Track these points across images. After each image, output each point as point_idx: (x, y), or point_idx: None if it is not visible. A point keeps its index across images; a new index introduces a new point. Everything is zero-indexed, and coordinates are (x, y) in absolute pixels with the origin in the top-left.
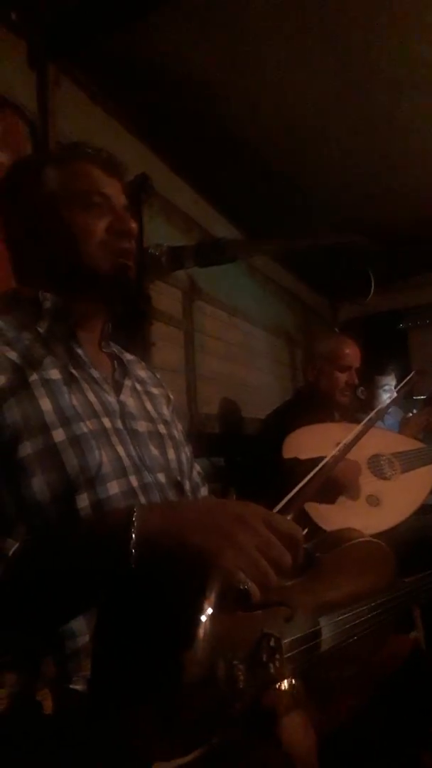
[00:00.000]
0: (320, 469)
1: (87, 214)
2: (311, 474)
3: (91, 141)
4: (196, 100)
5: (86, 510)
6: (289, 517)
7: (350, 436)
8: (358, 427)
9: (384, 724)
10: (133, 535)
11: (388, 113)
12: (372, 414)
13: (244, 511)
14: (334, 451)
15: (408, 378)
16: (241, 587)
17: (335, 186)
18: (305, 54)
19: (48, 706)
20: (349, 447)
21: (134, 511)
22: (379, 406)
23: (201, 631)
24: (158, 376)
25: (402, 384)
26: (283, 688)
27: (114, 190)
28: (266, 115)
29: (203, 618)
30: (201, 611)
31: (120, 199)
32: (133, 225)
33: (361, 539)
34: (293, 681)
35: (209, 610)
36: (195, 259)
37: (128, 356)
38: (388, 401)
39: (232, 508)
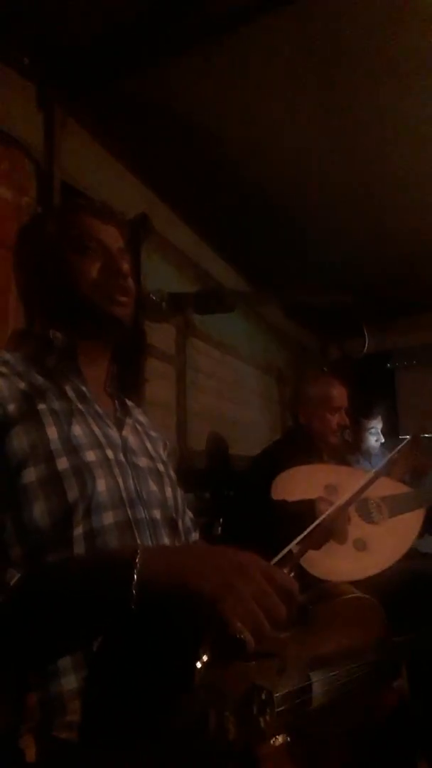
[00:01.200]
0: (317, 524)
1: (82, 257)
2: (307, 530)
3: (94, 179)
4: (198, 144)
5: (79, 538)
6: (285, 570)
7: (350, 492)
8: (361, 483)
9: None
10: (135, 576)
11: (378, 165)
12: (372, 473)
13: (244, 560)
14: (334, 506)
15: (401, 446)
16: (237, 636)
17: (330, 229)
18: (302, 107)
19: (30, 754)
20: (349, 503)
21: (137, 552)
22: (382, 462)
23: (196, 678)
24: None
25: (401, 446)
26: (275, 743)
27: (108, 235)
28: (265, 161)
29: (198, 665)
30: (197, 658)
31: (115, 243)
32: (125, 265)
33: (353, 595)
34: (286, 738)
35: (205, 657)
36: (194, 307)
37: (128, 401)
38: (387, 460)
39: (234, 556)
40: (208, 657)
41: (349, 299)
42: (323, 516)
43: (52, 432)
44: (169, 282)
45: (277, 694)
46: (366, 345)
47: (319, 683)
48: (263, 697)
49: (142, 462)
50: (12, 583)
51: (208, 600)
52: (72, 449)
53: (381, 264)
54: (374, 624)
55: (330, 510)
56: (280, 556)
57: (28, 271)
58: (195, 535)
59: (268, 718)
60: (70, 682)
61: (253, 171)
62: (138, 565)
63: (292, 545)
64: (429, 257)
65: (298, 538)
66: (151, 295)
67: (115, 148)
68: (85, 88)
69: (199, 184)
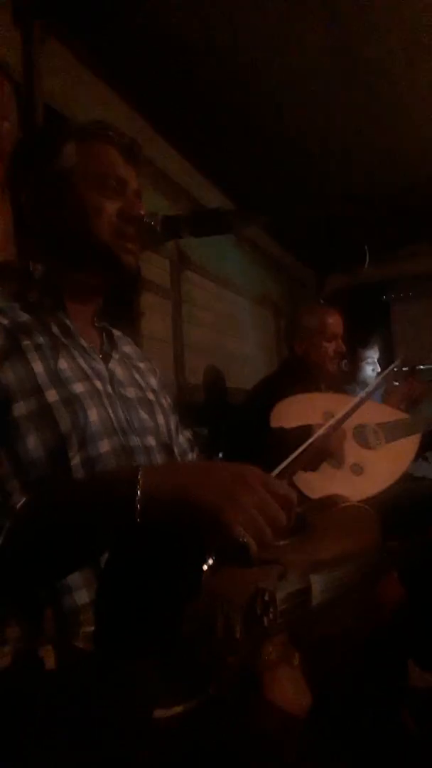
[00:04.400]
0: (312, 441)
1: (101, 195)
2: (304, 446)
3: (78, 102)
4: (188, 64)
5: (78, 467)
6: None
7: (342, 411)
8: (352, 402)
9: (365, 678)
10: (138, 492)
11: (380, 85)
12: (364, 392)
13: (243, 471)
14: (327, 424)
15: (393, 365)
16: (240, 540)
17: (329, 156)
18: (301, 19)
19: (50, 662)
20: (341, 421)
21: (139, 470)
22: (372, 385)
23: (201, 583)
24: (143, 352)
25: (389, 369)
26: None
27: (129, 176)
28: (260, 82)
29: (204, 569)
30: (202, 563)
31: (134, 185)
32: (142, 212)
33: (348, 504)
34: (282, 639)
35: (210, 562)
36: (191, 229)
37: (116, 332)
38: (379, 380)
39: (233, 468)
40: (213, 561)
41: (351, 211)
42: (317, 434)
43: (38, 366)
44: (162, 211)
45: (279, 595)
46: (366, 263)
47: (317, 584)
48: (266, 597)
49: (130, 392)
50: (18, 506)
51: (210, 509)
52: (60, 382)
53: (378, 193)
54: (369, 530)
55: (323, 429)
56: (277, 470)
57: (28, 195)
58: (192, 456)
59: (271, 617)
60: (82, 596)
61: (251, 93)
62: (140, 481)
63: (288, 461)
64: (427, 186)
65: (293, 455)
66: (144, 219)
67: (101, 70)
68: (66, 3)
69: (193, 108)
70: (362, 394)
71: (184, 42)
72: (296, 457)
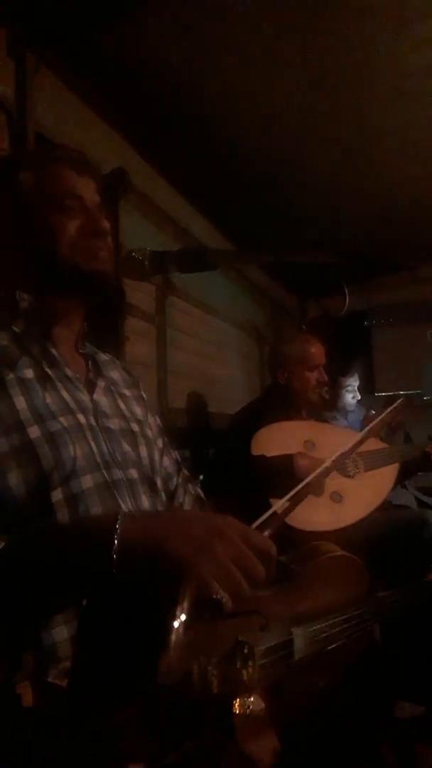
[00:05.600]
0: (304, 485)
1: (60, 215)
2: (298, 487)
3: (69, 131)
4: (177, 95)
5: (60, 504)
6: (267, 533)
7: (342, 449)
8: (353, 441)
9: (342, 716)
10: (115, 542)
11: (358, 122)
12: (361, 435)
13: (221, 523)
14: (325, 464)
15: (395, 405)
16: (214, 596)
17: (310, 187)
18: (284, 59)
19: (28, 699)
20: (340, 458)
21: (118, 519)
22: (373, 422)
23: (174, 636)
24: (133, 375)
25: (393, 406)
26: (254, 708)
27: (86, 190)
28: (246, 115)
29: (176, 624)
30: (174, 617)
31: (93, 199)
32: (105, 224)
33: (335, 553)
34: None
35: (183, 617)
36: (177, 266)
37: (103, 356)
38: (379, 419)
39: (211, 521)
40: (186, 616)
41: (328, 257)
42: (310, 477)
43: (20, 402)
44: (149, 240)
45: (259, 648)
46: (346, 304)
47: (300, 638)
48: (245, 651)
49: (114, 424)
50: None
51: (186, 563)
52: (42, 417)
53: (360, 222)
54: (356, 581)
55: (316, 473)
56: (264, 517)
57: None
58: (178, 479)
59: (250, 671)
60: (61, 632)
61: (233, 125)
62: (118, 531)
63: (277, 507)
64: (408, 215)
65: (283, 500)
66: (133, 254)
67: (92, 100)
68: (59, 35)
69: (179, 139)
70: (363, 432)
71: (176, 74)
72: (291, 498)
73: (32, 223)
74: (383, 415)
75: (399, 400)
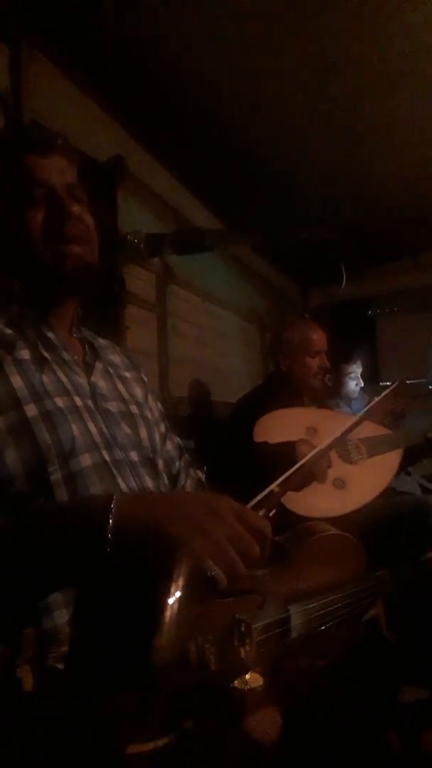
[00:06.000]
0: (302, 464)
1: (27, 206)
2: (294, 468)
3: (65, 118)
4: (174, 81)
5: (59, 483)
6: (262, 512)
7: (334, 434)
8: (346, 425)
9: (347, 704)
10: (110, 521)
11: (359, 108)
12: (357, 417)
13: (216, 503)
14: (317, 448)
15: (391, 386)
16: (208, 574)
17: (311, 174)
18: (285, 45)
19: (28, 682)
20: (331, 446)
21: (113, 499)
22: (366, 408)
23: (168, 615)
24: (134, 360)
25: (387, 391)
26: (252, 683)
27: (52, 172)
28: (246, 101)
29: (170, 601)
30: (168, 595)
31: (61, 179)
32: (75, 206)
33: (331, 532)
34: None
35: (177, 594)
36: (173, 247)
37: (101, 341)
38: (374, 402)
39: (206, 500)
40: (181, 594)
41: (327, 234)
42: (305, 459)
43: (16, 380)
44: (148, 227)
45: (256, 625)
46: (343, 281)
47: (297, 615)
48: (242, 629)
49: (113, 406)
50: None
51: (179, 541)
52: (39, 396)
53: (363, 210)
54: (352, 559)
55: (311, 455)
56: (260, 497)
57: None
58: (181, 463)
59: (248, 648)
60: (62, 615)
61: (234, 111)
62: (113, 510)
63: (273, 486)
64: (411, 202)
65: (279, 480)
66: (128, 237)
67: (88, 87)
68: (55, 21)
69: (177, 125)
70: (357, 416)
71: (172, 60)
72: (286, 479)
73: (6, 217)
74: (380, 398)
75: (395, 383)
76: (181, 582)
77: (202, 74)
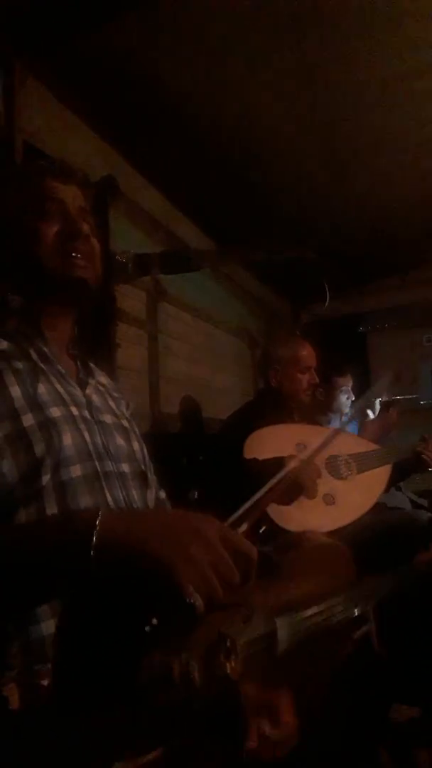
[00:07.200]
0: (282, 476)
1: (41, 220)
2: (273, 481)
3: (58, 140)
4: (164, 103)
5: (49, 491)
6: (243, 527)
7: (312, 446)
8: (323, 437)
9: (340, 721)
10: (94, 539)
11: (348, 126)
12: (335, 428)
13: (202, 526)
14: (296, 458)
15: (366, 398)
16: (188, 600)
17: (299, 193)
18: (275, 65)
19: (14, 701)
20: (312, 457)
21: (98, 514)
22: (344, 420)
23: (144, 640)
24: (116, 385)
25: (361, 402)
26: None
27: (68, 195)
28: (233, 122)
29: (154, 622)
30: (151, 618)
31: (75, 203)
32: (85, 226)
33: (320, 542)
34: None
35: (154, 621)
36: (161, 267)
37: (90, 364)
38: (351, 415)
39: (192, 522)
40: (158, 620)
41: (311, 254)
42: (285, 469)
43: (15, 391)
44: (139, 246)
45: (243, 640)
46: (327, 301)
47: (284, 629)
48: (228, 644)
49: (108, 418)
50: None
51: (163, 565)
52: (36, 406)
53: (353, 227)
54: (342, 568)
55: (290, 466)
56: (242, 510)
57: None
58: (161, 493)
59: (233, 664)
60: (50, 626)
61: (222, 131)
62: (98, 527)
63: (252, 500)
64: (400, 219)
65: (259, 493)
66: (117, 257)
67: (80, 109)
68: (46, 42)
69: (167, 145)
70: (333, 428)
71: (164, 82)
72: (267, 491)
73: (15, 230)
74: (351, 414)
75: (366, 395)
76: (161, 607)
77: (191, 95)
